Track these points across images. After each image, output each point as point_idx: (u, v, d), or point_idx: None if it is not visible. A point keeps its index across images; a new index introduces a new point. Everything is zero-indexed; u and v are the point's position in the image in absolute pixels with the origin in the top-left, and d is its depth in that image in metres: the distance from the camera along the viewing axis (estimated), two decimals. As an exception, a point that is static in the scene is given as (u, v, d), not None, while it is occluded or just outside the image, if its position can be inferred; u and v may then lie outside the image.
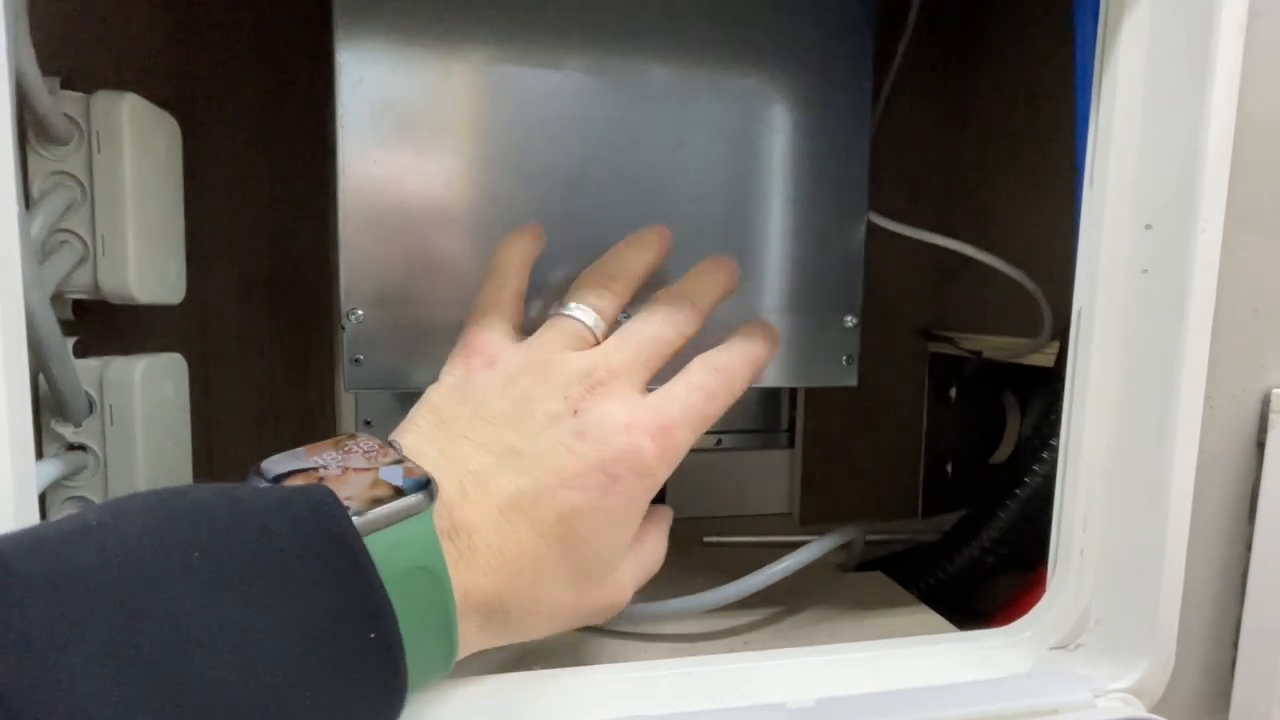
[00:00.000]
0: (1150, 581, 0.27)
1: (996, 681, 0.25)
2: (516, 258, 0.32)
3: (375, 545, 0.18)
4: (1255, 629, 0.28)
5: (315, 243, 0.48)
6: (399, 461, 0.22)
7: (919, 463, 0.60)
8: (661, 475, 0.26)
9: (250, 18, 0.45)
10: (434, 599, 0.20)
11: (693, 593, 0.39)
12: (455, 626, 0.21)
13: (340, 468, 0.21)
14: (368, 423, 0.50)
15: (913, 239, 0.46)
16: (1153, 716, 0.24)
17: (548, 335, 0.28)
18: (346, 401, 0.50)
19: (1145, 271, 0.27)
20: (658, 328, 0.28)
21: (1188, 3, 0.26)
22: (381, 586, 0.18)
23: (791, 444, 0.59)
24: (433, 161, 0.39)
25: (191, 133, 0.38)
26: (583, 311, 0.29)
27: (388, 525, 0.19)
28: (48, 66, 0.30)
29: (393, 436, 0.25)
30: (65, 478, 0.29)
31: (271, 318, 0.48)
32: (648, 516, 0.28)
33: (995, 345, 0.50)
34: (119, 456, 0.30)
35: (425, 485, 0.21)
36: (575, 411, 0.25)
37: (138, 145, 0.30)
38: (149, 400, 0.31)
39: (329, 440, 0.24)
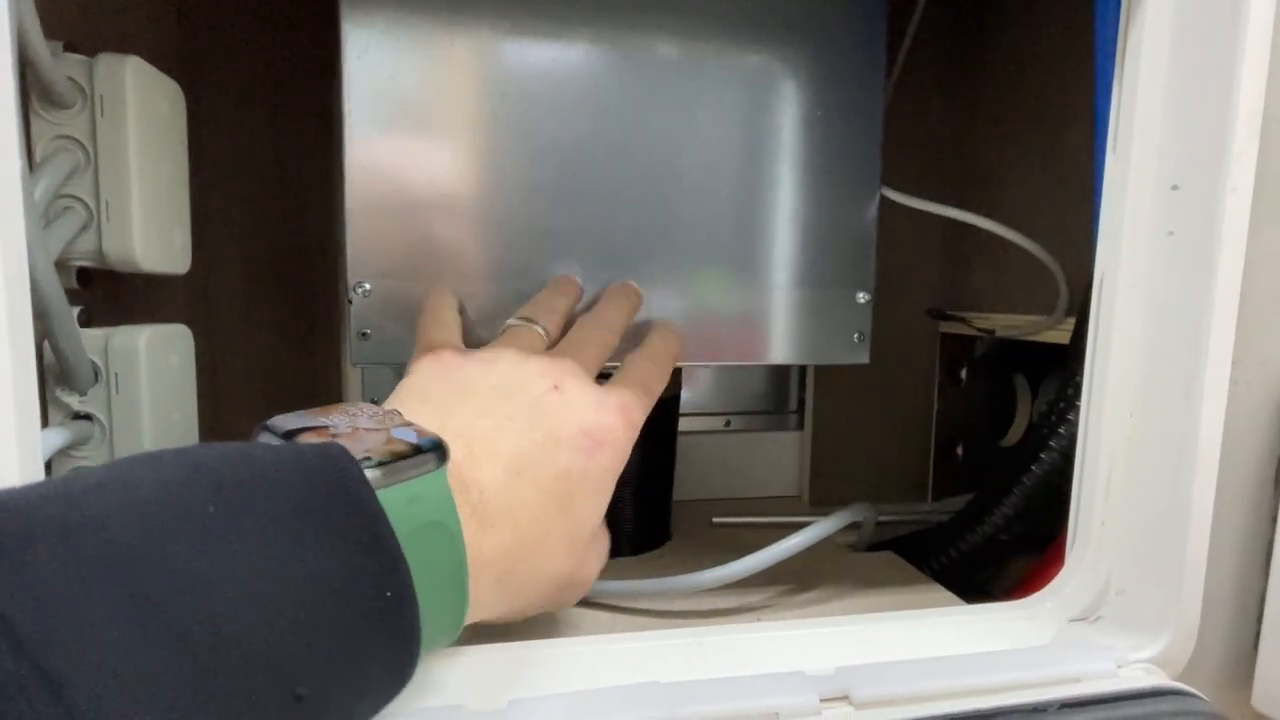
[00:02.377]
0: (1174, 552, 0.26)
1: (1017, 652, 0.25)
2: (445, 300, 0.36)
3: (393, 500, 0.18)
4: (1280, 601, 0.27)
5: (321, 219, 0.47)
6: (408, 425, 0.22)
7: (929, 444, 0.59)
8: (627, 447, 0.29)
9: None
10: (449, 555, 0.20)
11: (702, 570, 0.38)
12: (467, 585, 0.20)
13: (350, 427, 0.20)
14: (374, 401, 0.49)
15: (924, 217, 0.46)
16: (1180, 684, 0.23)
17: (514, 333, 0.32)
18: (353, 379, 0.49)
19: (1171, 234, 0.26)
20: (596, 336, 0.34)
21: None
22: (397, 542, 0.17)
23: (801, 425, 0.59)
24: (438, 136, 0.38)
25: (196, 108, 0.38)
26: (538, 325, 0.33)
27: (409, 479, 0.19)
28: (51, 33, 0.29)
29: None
30: (71, 446, 0.29)
31: (277, 293, 0.48)
32: None
33: (1009, 323, 0.49)
34: (125, 426, 0.30)
35: (439, 444, 0.20)
36: (556, 388, 0.28)
37: (141, 109, 0.29)
38: (154, 369, 0.31)
39: (333, 405, 0.23)
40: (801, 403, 0.59)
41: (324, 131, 0.46)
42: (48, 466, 0.28)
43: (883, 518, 0.48)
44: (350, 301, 0.38)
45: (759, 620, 0.37)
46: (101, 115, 0.29)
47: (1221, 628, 0.28)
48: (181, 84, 0.35)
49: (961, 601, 0.39)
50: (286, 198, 0.47)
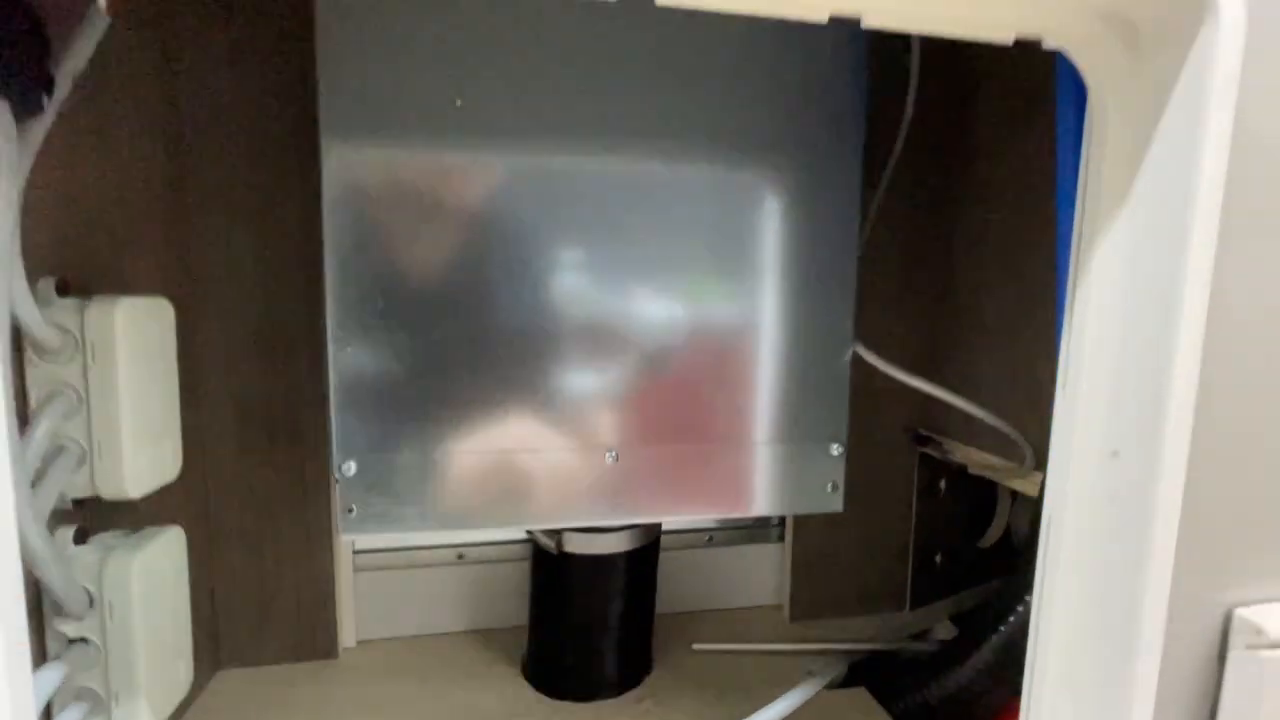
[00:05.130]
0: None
1: None
2: None
3: None
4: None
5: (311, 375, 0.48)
6: None
7: (908, 554, 0.60)
8: None
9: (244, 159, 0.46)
10: None
11: (681, 708, 0.40)
12: None
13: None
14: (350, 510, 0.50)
15: (904, 335, 0.47)
16: None
17: None
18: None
19: (1112, 499, 0.27)
20: None
21: (1159, 226, 0.26)
22: None
23: (782, 538, 0.60)
24: (420, 320, 0.39)
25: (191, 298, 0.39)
26: None
27: None
28: (48, 261, 0.31)
29: None
30: (68, 677, 0.30)
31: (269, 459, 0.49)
32: None
33: (979, 462, 0.50)
34: (119, 647, 0.31)
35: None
36: None
37: (131, 351, 0.31)
38: (147, 590, 0.32)
39: None
40: (783, 516, 0.61)
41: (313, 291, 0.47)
42: (47, 710, 0.30)
43: (858, 649, 0.50)
44: (336, 480, 0.40)
45: None
46: (93, 361, 0.30)
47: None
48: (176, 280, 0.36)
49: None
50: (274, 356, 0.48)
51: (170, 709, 0.36)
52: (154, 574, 0.33)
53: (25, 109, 0.26)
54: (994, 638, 0.42)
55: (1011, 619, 0.41)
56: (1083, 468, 0.28)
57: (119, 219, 0.36)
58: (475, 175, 0.39)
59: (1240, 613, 0.28)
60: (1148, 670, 0.27)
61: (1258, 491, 0.28)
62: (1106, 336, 0.28)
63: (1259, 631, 0.28)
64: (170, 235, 0.43)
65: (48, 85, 0.27)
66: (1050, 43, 0.26)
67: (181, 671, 0.36)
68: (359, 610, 0.52)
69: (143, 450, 0.32)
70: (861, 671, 0.50)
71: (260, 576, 0.49)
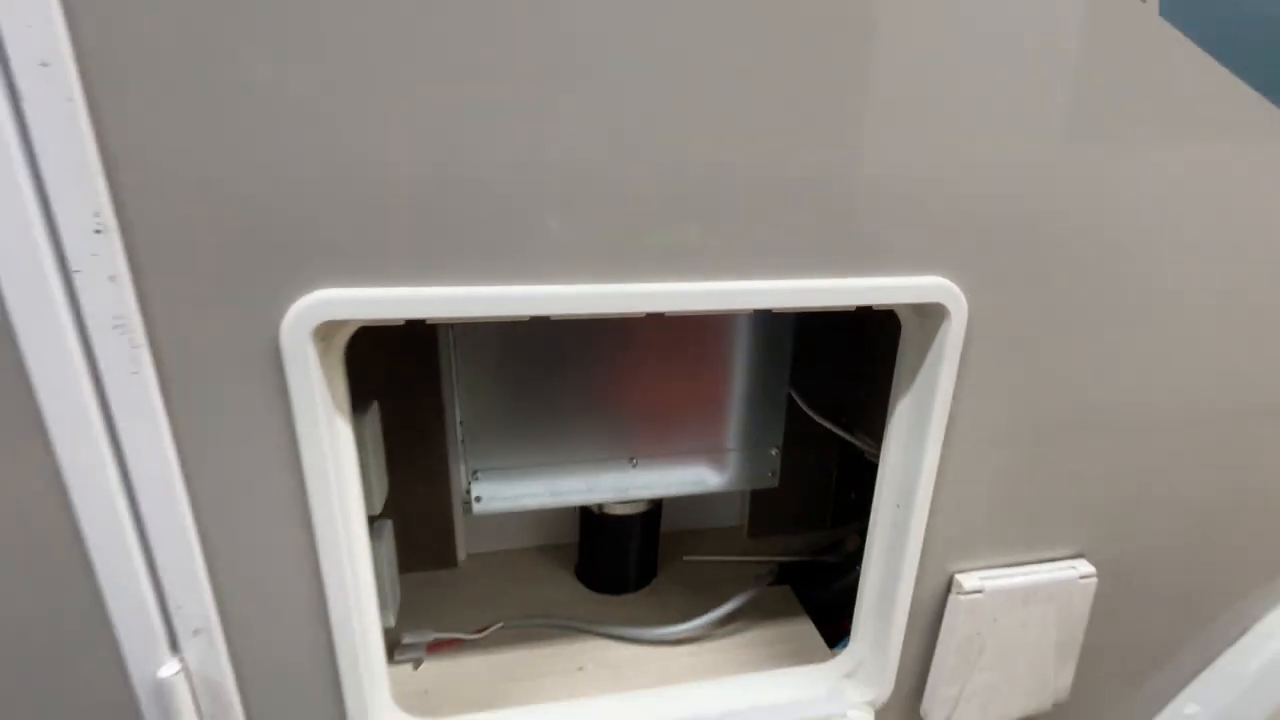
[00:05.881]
0: (885, 646, 0.56)
1: (795, 702, 0.56)
2: None
3: None
4: (942, 670, 0.58)
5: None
6: None
7: (831, 491, 0.88)
8: None
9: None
10: None
11: (671, 604, 0.69)
12: None
13: None
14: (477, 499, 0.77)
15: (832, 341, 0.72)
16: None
17: None
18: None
19: (894, 523, 0.54)
20: None
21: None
22: None
23: (744, 484, 0.88)
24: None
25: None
26: None
27: None
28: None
29: None
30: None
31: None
32: None
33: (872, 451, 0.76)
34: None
35: None
36: None
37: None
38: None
39: None
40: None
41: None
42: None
43: (791, 559, 0.79)
44: (468, 494, 0.66)
45: (691, 653, 0.68)
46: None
47: (908, 680, 0.59)
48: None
49: (819, 638, 0.70)
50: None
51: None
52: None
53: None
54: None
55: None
56: (886, 508, 0.54)
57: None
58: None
59: (956, 576, 0.55)
60: (904, 604, 0.55)
61: (969, 518, 0.54)
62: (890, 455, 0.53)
63: (962, 586, 0.55)
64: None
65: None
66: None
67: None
68: (469, 533, 0.80)
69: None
70: (790, 573, 0.80)
71: (402, 509, 0.75)
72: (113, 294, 0.36)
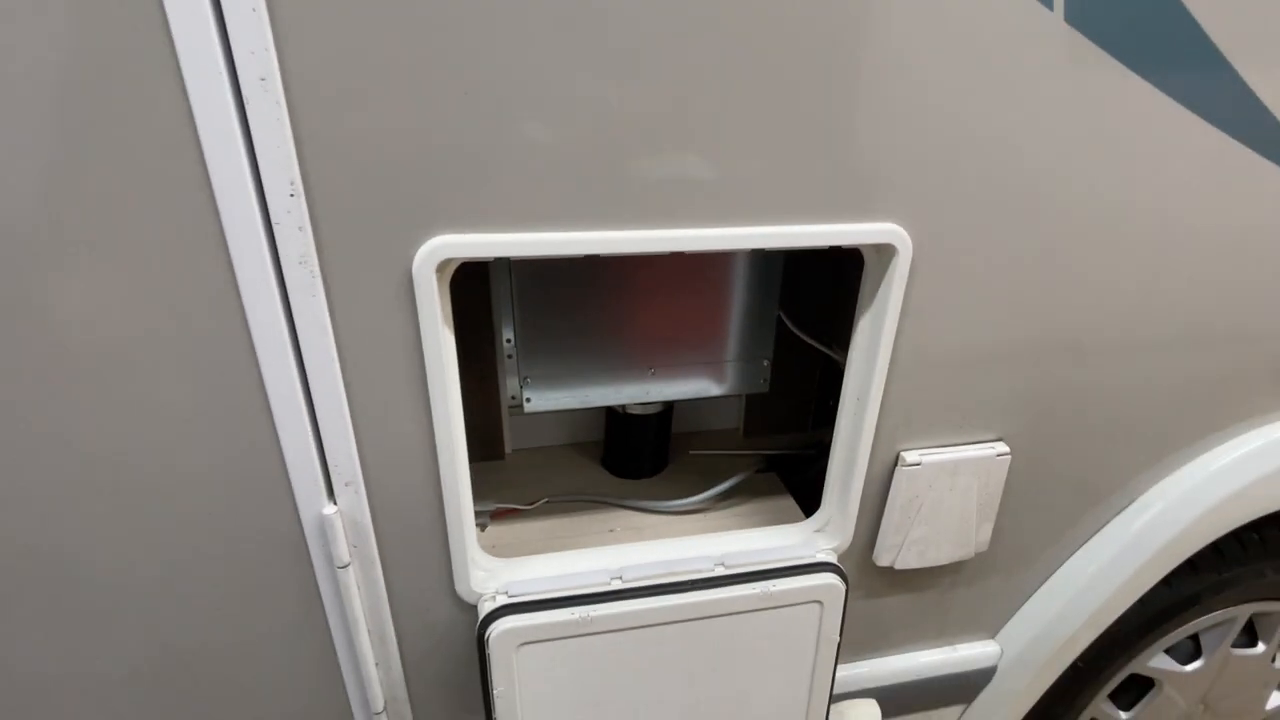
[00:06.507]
0: (844, 499, 0.74)
1: (777, 547, 0.74)
2: None
3: None
4: (889, 524, 0.76)
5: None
6: None
7: (813, 397, 1.05)
8: None
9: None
10: None
11: (680, 485, 0.87)
12: None
13: None
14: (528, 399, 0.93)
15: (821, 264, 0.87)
16: (832, 560, 0.73)
17: None
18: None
19: (851, 409, 0.71)
20: None
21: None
22: None
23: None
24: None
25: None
26: None
27: None
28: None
29: None
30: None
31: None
32: None
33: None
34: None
35: None
36: None
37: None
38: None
39: None
40: (742, 379, 1.04)
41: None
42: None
43: (778, 452, 0.97)
44: (514, 398, 0.82)
45: (693, 515, 0.87)
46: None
47: (864, 533, 0.77)
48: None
49: (797, 509, 0.88)
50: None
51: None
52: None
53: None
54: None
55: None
56: (849, 402, 0.71)
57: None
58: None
59: (901, 453, 0.73)
60: (861, 474, 0.73)
61: (911, 411, 0.71)
62: (853, 361, 0.69)
63: (905, 460, 0.72)
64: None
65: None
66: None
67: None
68: (513, 431, 0.98)
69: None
70: (776, 464, 0.97)
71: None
72: (300, 239, 0.51)
